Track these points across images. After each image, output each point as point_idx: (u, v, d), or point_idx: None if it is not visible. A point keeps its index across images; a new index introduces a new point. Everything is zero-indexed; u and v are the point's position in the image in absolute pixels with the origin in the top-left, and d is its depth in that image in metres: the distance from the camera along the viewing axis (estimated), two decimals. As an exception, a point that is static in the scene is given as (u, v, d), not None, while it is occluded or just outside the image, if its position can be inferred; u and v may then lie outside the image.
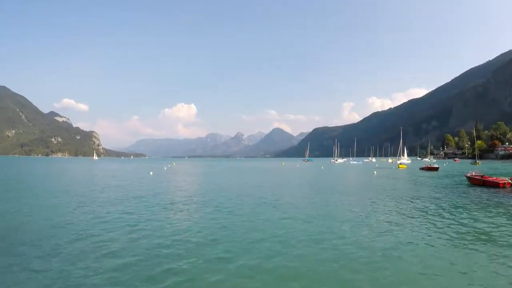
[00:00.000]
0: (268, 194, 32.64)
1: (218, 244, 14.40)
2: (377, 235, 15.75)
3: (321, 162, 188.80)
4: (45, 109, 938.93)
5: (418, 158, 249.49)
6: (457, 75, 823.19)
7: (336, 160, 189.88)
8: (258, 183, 48.06)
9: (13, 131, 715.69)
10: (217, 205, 25.35)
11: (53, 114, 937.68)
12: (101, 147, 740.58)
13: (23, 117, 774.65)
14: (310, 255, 12.61)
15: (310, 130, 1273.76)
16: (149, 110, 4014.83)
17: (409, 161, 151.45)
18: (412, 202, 27.00)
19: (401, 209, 23.43)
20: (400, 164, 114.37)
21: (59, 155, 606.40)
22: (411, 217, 20.19)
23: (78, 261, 12.08)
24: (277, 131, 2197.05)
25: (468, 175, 44.26)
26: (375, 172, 74.91)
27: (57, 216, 20.45)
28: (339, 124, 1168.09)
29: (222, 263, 11.96)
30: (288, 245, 13.92)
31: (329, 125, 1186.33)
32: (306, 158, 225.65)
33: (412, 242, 14.53)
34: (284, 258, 12.24)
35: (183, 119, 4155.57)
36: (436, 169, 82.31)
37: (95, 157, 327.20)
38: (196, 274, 10.94)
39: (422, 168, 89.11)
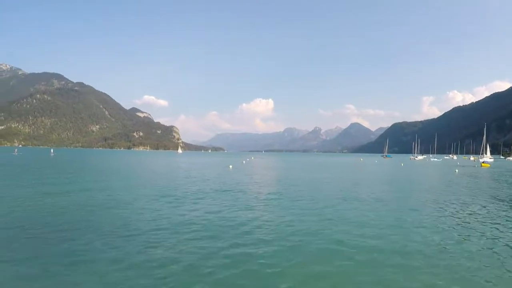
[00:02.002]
0: (348, 190, 32.74)
1: (291, 236, 14.81)
2: (463, 239, 14.98)
3: (400, 159, 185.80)
4: (127, 106, 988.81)
5: (501, 157, 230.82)
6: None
7: (416, 157, 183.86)
8: (337, 178, 48.38)
9: (97, 126, 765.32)
10: (296, 199, 25.94)
11: (134, 110, 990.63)
12: (180, 141, 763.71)
13: (106, 113, 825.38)
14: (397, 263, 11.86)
15: (389, 125, 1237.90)
16: (227, 105, 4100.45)
17: (492, 160, 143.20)
18: (499, 202, 25.92)
19: (488, 211, 22.03)
20: (483, 162, 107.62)
21: (141, 148, 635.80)
22: (496, 221, 18.84)
23: (181, 248, 12.85)
24: (355, 126, 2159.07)
25: None
26: (456, 171, 72.77)
27: (148, 205, 22.15)
28: (419, 119, 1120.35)
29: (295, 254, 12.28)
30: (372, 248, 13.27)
31: (408, 120, 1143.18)
32: (385, 154, 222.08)
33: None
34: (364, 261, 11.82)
35: (261, 113, 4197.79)
36: None
37: (180, 151, 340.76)
38: (280, 262, 11.36)
39: None
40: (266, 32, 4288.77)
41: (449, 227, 17.09)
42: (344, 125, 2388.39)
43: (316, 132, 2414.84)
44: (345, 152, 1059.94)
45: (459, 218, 19.64)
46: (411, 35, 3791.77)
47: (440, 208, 22.88)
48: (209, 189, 31.61)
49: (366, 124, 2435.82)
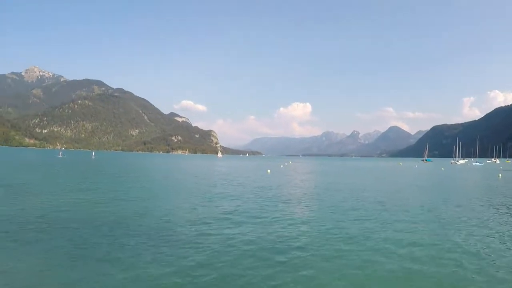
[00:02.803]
0: (389, 197, 32.14)
1: (328, 244, 14.79)
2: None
3: (440, 163, 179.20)
4: (166, 111, 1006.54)
5: None
6: None
7: (457, 161, 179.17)
8: (377, 184, 48.34)
9: (137, 130, 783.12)
10: (334, 204, 26.11)
11: (173, 114, 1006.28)
12: (218, 145, 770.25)
13: (145, 117, 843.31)
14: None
15: (429, 128, 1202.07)
16: (265, 109, 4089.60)
17: None
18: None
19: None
20: None
21: (179, 152, 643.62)
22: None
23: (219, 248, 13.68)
24: (394, 129, 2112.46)
25: None
26: (500, 175, 70.66)
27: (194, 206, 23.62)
28: (459, 122, 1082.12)
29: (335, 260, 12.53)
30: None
31: (449, 123, 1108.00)
32: (425, 158, 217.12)
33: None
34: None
35: (298, 117, 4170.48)
36: None
37: (220, 155, 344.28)
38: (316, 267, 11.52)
39: None
40: (303, 35, 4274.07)
41: (500, 242, 15.91)
42: (382, 128, 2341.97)
43: (354, 136, 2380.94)
44: (383, 157, 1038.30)
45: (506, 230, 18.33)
46: (449, 36, 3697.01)
47: (488, 219, 21.51)
48: (248, 193, 32.25)
49: (405, 127, 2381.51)
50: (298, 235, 16.33)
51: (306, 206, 25.56)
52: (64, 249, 13.19)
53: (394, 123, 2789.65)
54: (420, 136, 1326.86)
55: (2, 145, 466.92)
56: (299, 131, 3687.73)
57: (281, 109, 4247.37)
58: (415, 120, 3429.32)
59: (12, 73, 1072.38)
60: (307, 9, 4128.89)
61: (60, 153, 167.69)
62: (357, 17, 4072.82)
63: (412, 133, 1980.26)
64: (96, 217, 19.32)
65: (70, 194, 28.74)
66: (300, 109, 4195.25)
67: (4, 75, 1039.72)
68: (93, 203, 24.10)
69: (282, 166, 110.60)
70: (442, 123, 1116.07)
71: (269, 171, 73.86)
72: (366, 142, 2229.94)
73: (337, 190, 37.64)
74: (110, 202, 24.71)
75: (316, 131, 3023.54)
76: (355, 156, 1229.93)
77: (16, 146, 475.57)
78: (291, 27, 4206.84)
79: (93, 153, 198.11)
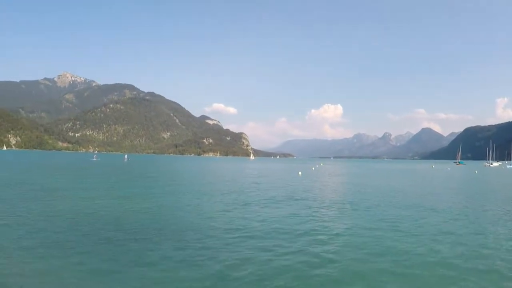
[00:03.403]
0: (423, 200, 31.76)
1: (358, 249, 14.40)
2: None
3: (473, 166, 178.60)
4: (197, 114, 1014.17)
5: None
6: None
7: (491, 164, 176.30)
8: (410, 186, 47.53)
9: (168, 133, 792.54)
10: (367, 208, 25.55)
11: (204, 117, 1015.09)
12: (249, 148, 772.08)
13: (177, 121, 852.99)
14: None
15: (461, 129, 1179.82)
16: (296, 111, 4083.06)
17: None
18: None
19: None
20: None
21: (210, 154, 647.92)
22: None
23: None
24: (426, 131, 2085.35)
25: None
26: None
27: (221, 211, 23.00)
28: (493, 123, 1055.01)
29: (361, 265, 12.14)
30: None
31: (482, 124, 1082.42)
32: (457, 161, 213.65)
33: None
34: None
35: (330, 119, 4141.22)
36: None
37: (252, 157, 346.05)
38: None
39: None
40: (332, 38, 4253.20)
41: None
42: (414, 130, 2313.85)
43: (385, 138, 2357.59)
44: (415, 159, 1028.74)
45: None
46: (483, 36, 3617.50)
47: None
48: (281, 196, 32.24)
49: (437, 128, 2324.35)
50: (334, 239, 16.12)
51: (339, 209, 25.45)
52: (97, 251, 13.43)
53: (426, 124, 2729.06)
54: (453, 138, 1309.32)
55: (35, 148, 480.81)
56: (330, 133, 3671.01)
57: (313, 111, 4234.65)
58: (448, 122, 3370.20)
59: (45, 79, 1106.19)
60: (338, 10, 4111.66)
61: (95, 156, 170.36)
62: (389, 18, 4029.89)
63: (445, 134, 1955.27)
64: (133, 220, 19.54)
65: (109, 196, 29.11)
66: (332, 111, 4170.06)
67: (37, 81, 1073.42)
68: (130, 206, 24.26)
69: (313, 168, 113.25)
70: (475, 125, 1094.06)
71: (300, 173, 75.60)
72: (398, 144, 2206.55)
73: (370, 192, 37.47)
74: (149, 206, 24.45)
75: (348, 133, 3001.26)
76: (386, 158, 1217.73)
77: (49, 150, 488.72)
78: (322, 29, 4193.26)
79: (126, 156, 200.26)
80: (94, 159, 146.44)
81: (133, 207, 23.79)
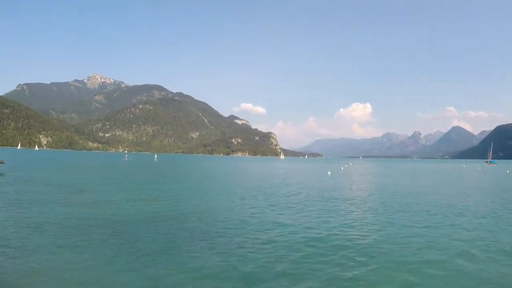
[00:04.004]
0: (453, 200, 31.40)
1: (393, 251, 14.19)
2: None
3: (506, 165, 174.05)
4: (225, 113, 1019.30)
5: None
6: None
7: None
8: (441, 187, 46.96)
9: (197, 133, 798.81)
10: (399, 209, 25.35)
11: (233, 117, 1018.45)
12: (278, 147, 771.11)
13: (205, 120, 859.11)
14: None
15: (492, 128, 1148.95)
16: (325, 111, 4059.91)
17: None
18: None
19: None
20: None
21: (239, 154, 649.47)
22: None
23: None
24: (456, 130, 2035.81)
25: None
26: None
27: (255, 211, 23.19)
28: None
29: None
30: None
31: None
32: (489, 160, 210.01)
33: None
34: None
35: (358, 118, 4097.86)
36: None
37: (282, 157, 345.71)
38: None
39: None
40: (360, 37, 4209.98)
41: None
42: (444, 129, 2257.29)
43: (415, 137, 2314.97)
44: (445, 158, 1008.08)
45: None
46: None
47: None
48: (311, 195, 32.58)
49: (468, 127, 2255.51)
50: (365, 240, 16.05)
51: (370, 209, 25.38)
52: (129, 248, 13.84)
53: (456, 123, 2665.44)
54: (483, 136, 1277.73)
55: (66, 148, 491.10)
56: (359, 132, 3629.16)
57: (341, 109, 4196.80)
58: (478, 120, 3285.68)
59: (75, 80, 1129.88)
60: (367, 11, 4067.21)
61: (126, 156, 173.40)
62: (416, 16, 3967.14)
63: (475, 133, 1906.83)
64: (164, 220, 19.77)
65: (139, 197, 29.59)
66: (360, 110, 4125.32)
67: (67, 82, 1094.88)
68: (162, 207, 24.53)
69: (342, 168, 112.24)
70: (507, 123, 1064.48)
71: (329, 173, 75.08)
72: (428, 143, 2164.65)
73: (400, 193, 37.13)
74: (182, 205, 25.15)
75: (377, 132, 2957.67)
76: (416, 158, 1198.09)
77: (79, 150, 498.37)
78: (350, 29, 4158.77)
79: (155, 156, 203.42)
80: (126, 158, 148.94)
81: (165, 207, 24.05)
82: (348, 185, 46.57)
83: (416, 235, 17.18)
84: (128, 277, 10.74)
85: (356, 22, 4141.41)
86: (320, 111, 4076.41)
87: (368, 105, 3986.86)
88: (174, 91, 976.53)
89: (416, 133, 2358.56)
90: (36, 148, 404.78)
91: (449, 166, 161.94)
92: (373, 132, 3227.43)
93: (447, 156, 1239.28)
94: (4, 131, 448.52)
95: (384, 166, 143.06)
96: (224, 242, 15.02)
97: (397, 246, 15.00)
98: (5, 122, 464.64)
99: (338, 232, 17.38)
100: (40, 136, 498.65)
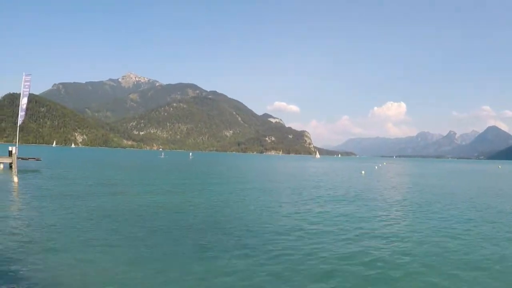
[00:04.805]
0: (491, 201, 30.80)
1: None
2: None
3: None
4: (259, 112, 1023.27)
5: None
6: None
7: None
8: (477, 188, 45.13)
9: (231, 131, 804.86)
10: (435, 211, 24.37)
11: (266, 116, 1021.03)
12: (312, 146, 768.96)
13: (239, 119, 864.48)
14: None
15: None
16: (359, 109, 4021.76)
17: None
18: None
19: None
20: None
21: (273, 152, 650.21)
22: None
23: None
24: (492, 130, 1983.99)
25: None
26: None
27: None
28: None
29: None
30: None
31: None
32: None
33: None
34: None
35: (393, 117, 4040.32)
36: None
37: (317, 156, 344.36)
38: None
39: None
40: (394, 36, 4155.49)
41: None
42: (480, 128, 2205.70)
43: (450, 136, 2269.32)
44: (481, 159, 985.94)
45: None
46: None
47: None
48: (345, 195, 32.36)
49: (504, 127, 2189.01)
50: (400, 243, 15.36)
51: (405, 210, 24.84)
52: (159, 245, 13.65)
53: (492, 122, 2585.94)
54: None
55: (101, 146, 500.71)
56: (393, 131, 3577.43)
57: (375, 108, 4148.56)
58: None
59: (110, 79, 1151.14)
60: (400, 10, 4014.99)
61: (162, 154, 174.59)
62: (450, 15, 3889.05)
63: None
64: (196, 214, 20.04)
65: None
66: (395, 109, 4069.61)
67: (102, 81, 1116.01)
68: (197, 201, 24.99)
69: (376, 167, 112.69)
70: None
71: (363, 172, 75.36)
72: (463, 143, 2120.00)
73: (436, 194, 35.93)
74: (215, 202, 24.98)
75: (411, 132, 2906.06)
76: (451, 158, 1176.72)
77: (114, 147, 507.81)
78: (384, 28, 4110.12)
79: (190, 154, 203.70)
80: (162, 156, 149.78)
81: (201, 202, 24.58)
82: (382, 185, 46.55)
83: (449, 236, 16.69)
84: (172, 274, 10.60)
85: (391, 22, 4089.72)
86: (354, 110, 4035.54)
87: (402, 104, 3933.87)
88: (208, 90, 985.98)
89: (451, 132, 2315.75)
90: (72, 145, 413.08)
91: (485, 167, 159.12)
92: (407, 131, 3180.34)
93: (482, 157, 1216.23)
94: (41, 129, 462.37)
95: (419, 166, 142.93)
96: (253, 238, 15.04)
97: (427, 247, 14.61)
98: (42, 120, 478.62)
99: (370, 232, 17.12)
100: (76, 134, 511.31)
